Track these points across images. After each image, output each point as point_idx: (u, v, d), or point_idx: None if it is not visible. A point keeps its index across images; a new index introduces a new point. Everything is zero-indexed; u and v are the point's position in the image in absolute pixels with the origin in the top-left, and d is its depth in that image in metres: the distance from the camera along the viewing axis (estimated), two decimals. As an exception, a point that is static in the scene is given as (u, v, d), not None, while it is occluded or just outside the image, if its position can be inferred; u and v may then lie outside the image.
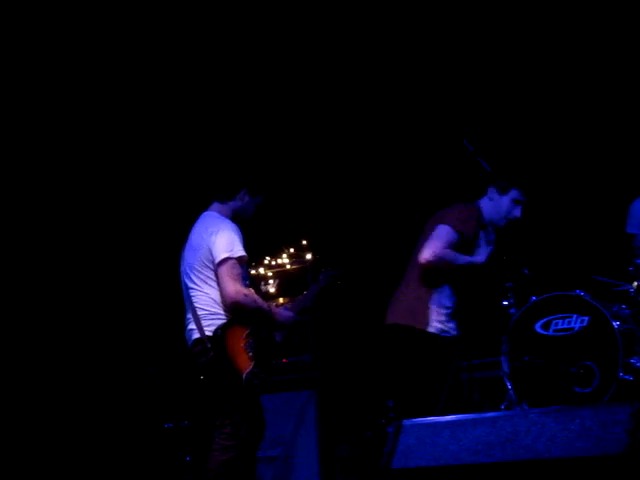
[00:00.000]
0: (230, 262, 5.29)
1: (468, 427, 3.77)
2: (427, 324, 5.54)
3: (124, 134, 8.44)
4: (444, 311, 5.60)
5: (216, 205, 5.58)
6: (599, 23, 7.25)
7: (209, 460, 5.36)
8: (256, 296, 5.38)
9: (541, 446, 3.54)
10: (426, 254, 5.43)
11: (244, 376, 5.21)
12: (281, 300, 6.31)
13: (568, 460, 3.42)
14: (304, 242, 7.48)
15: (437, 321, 5.57)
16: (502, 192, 5.70)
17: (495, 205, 5.74)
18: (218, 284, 5.33)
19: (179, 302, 8.11)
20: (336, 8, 7.75)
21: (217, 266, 5.31)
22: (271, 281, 6.38)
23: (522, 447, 3.57)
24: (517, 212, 5.72)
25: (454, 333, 5.66)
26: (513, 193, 5.69)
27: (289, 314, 5.55)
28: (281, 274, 7.24)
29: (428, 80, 7.82)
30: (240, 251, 5.33)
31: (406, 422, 4.01)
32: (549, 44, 7.41)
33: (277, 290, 6.78)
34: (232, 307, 5.29)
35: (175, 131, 8.42)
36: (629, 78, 7.18)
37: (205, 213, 5.60)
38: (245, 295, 5.29)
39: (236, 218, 5.55)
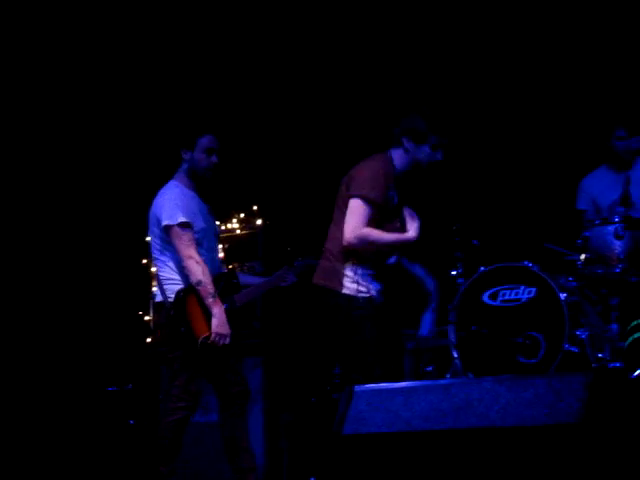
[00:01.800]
0: (173, 230, 5.36)
1: (421, 394, 3.77)
2: (341, 285, 5.20)
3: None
4: (361, 272, 5.22)
5: (175, 175, 5.64)
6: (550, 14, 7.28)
7: (159, 423, 5.44)
8: (206, 274, 5.35)
9: (494, 414, 3.55)
10: (348, 236, 5.10)
11: (200, 340, 5.26)
12: (230, 266, 6.31)
13: (521, 429, 3.45)
14: (254, 208, 7.45)
15: (351, 282, 5.20)
16: (420, 142, 5.20)
17: (412, 156, 5.24)
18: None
19: (120, 265, 8.11)
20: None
21: (166, 235, 5.41)
22: (220, 246, 6.34)
23: (475, 415, 3.58)
24: (439, 156, 5.23)
25: (374, 294, 5.28)
26: (432, 139, 5.20)
27: (224, 326, 5.34)
28: (231, 239, 7.21)
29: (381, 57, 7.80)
30: (180, 217, 5.38)
31: (358, 388, 4.00)
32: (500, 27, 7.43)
33: (226, 255, 6.76)
34: (184, 271, 5.37)
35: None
36: (581, 54, 7.20)
37: None
38: (197, 262, 5.34)
39: (195, 177, 5.58)
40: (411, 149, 5.23)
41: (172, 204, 5.41)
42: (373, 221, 5.17)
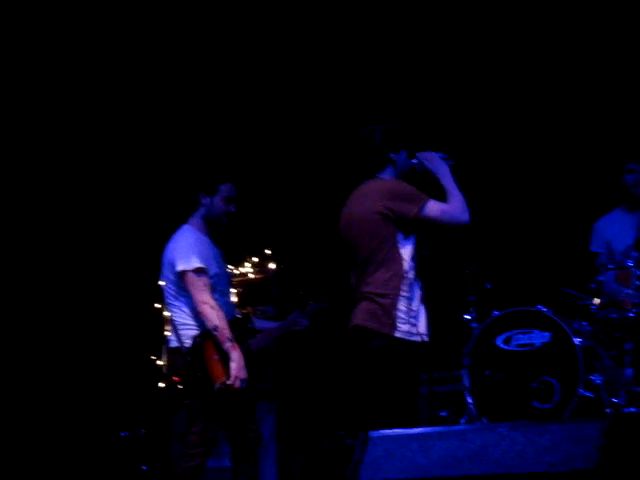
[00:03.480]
0: (188, 275, 5.35)
1: (437, 440, 3.75)
2: (392, 328, 4.79)
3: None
4: (413, 313, 4.87)
5: (190, 219, 5.63)
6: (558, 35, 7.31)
7: (175, 469, 5.44)
8: (222, 319, 5.31)
9: (510, 460, 3.53)
10: (463, 217, 4.87)
11: (216, 385, 5.24)
12: (244, 310, 6.32)
13: (537, 475, 3.43)
14: (268, 251, 7.47)
15: (404, 322, 4.81)
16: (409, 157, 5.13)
17: (403, 171, 5.14)
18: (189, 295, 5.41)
19: (133, 310, 8.12)
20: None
21: (180, 280, 5.40)
22: (233, 290, 6.35)
23: (491, 461, 3.56)
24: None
25: (424, 336, 4.90)
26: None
27: (240, 369, 5.28)
28: (244, 283, 7.22)
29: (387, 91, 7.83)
30: (196, 263, 5.37)
31: (373, 433, 3.99)
32: (510, 50, 7.46)
33: (239, 299, 6.78)
34: (199, 317, 5.35)
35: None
36: (596, 93, 7.23)
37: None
38: (212, 308, 5.32)
39: (211, 224, 5.60)
40: (403, 163, 5.12)
41: (187, 249, 5.41)
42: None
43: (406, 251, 4.95)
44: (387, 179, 5.09)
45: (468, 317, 6.36)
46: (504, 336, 6.02)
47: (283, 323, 5.89)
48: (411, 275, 4.94)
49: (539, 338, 5.92)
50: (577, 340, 5.77)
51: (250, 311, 6.49)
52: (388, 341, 4.82)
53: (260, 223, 7.96)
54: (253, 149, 8.19)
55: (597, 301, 5.73)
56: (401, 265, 4.91)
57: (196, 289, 5.34)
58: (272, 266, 7.38)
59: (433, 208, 4.89)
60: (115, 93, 8.19)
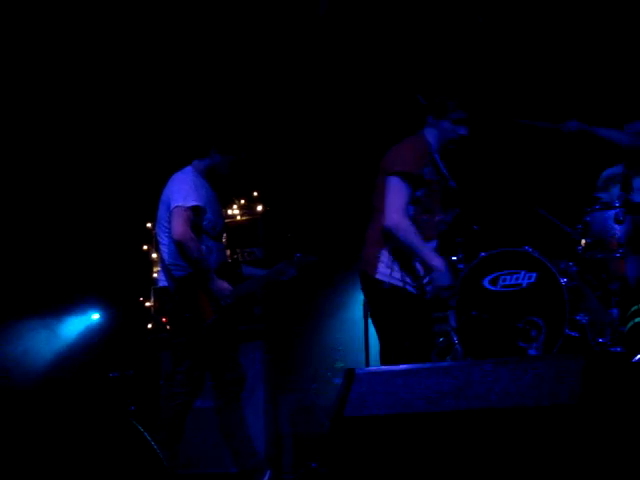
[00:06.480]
0: (180, 209, 5.36)
1: (421, 376, 3.76)
2: (374, 270, 5.02)
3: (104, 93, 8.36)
4: (397, 262, 5.00)
5: (194, 161, 5.66)
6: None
7: (161, 408, 5.48)
8: (201, 251, 5.38)
9: (494, 396, 3.55)
10: (389, 221, 4.91)
11: (205, 324, 5.28)
12: (235, 256, 6.34)
13: (521, 409, 3.45)
14: (255, 194, 7.45)
15: (385, 266, 5.01)
16: (440, 116, 5.17)
17: (439, 131, 5.19)
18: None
19: (121, 252, 8.12)
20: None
21: (170, 214, 5.36)
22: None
23: (475, 396, 3.58)
24: (462, 131, 5.19)
25: (408, 288, 5.01)
26: (452, 115, 5.17)
27: (225, 289, 5.45)
28: (231, 225, 7.20)
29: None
30: (193, 201, 5.37)
31: (358, 370, 4.01)
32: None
33: (226, 241, 6.76)
34: (177, 248, 5.35)
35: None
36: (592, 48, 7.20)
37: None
38: (192, 239, 5.32)
39: (211, 174, 5.65)
40: (434, 124, 5.18)
41: (185, 188, 5.45)
42: (416, 203, 5.03)
43: None
44: (413, 138, 5.19)
45: (455, 258, 6.38)
46: (491, 277, 6.07)
47: (271, 272, 5.89)
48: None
49: (525, 279, 5.96)
50: (563, 280, 5.81)
51: (238, 252, 6.50)
52: (369, 281, 5.04)
53: (247, 165, 7.93)
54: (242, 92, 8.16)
55: (584, 242, 5.74)
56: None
57: (180, 220, 5.33)
58: (259, 208, 7.36)
59: (393, 184, 4.97)
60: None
